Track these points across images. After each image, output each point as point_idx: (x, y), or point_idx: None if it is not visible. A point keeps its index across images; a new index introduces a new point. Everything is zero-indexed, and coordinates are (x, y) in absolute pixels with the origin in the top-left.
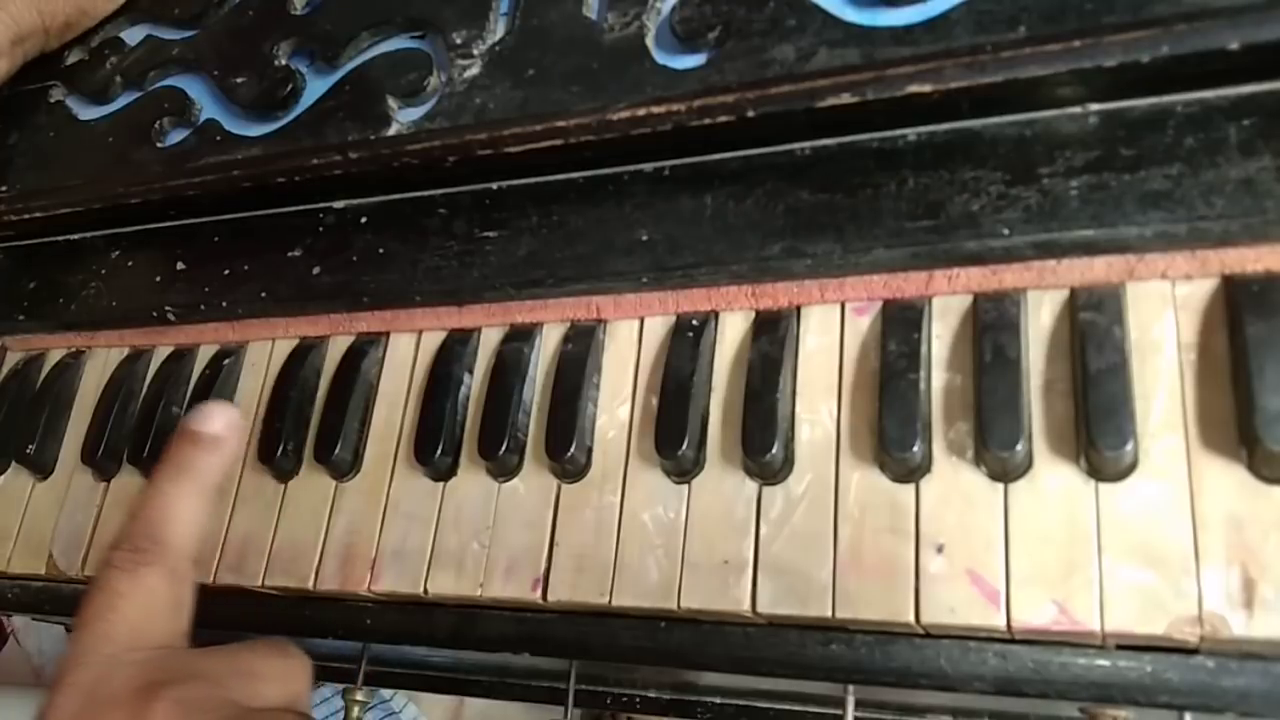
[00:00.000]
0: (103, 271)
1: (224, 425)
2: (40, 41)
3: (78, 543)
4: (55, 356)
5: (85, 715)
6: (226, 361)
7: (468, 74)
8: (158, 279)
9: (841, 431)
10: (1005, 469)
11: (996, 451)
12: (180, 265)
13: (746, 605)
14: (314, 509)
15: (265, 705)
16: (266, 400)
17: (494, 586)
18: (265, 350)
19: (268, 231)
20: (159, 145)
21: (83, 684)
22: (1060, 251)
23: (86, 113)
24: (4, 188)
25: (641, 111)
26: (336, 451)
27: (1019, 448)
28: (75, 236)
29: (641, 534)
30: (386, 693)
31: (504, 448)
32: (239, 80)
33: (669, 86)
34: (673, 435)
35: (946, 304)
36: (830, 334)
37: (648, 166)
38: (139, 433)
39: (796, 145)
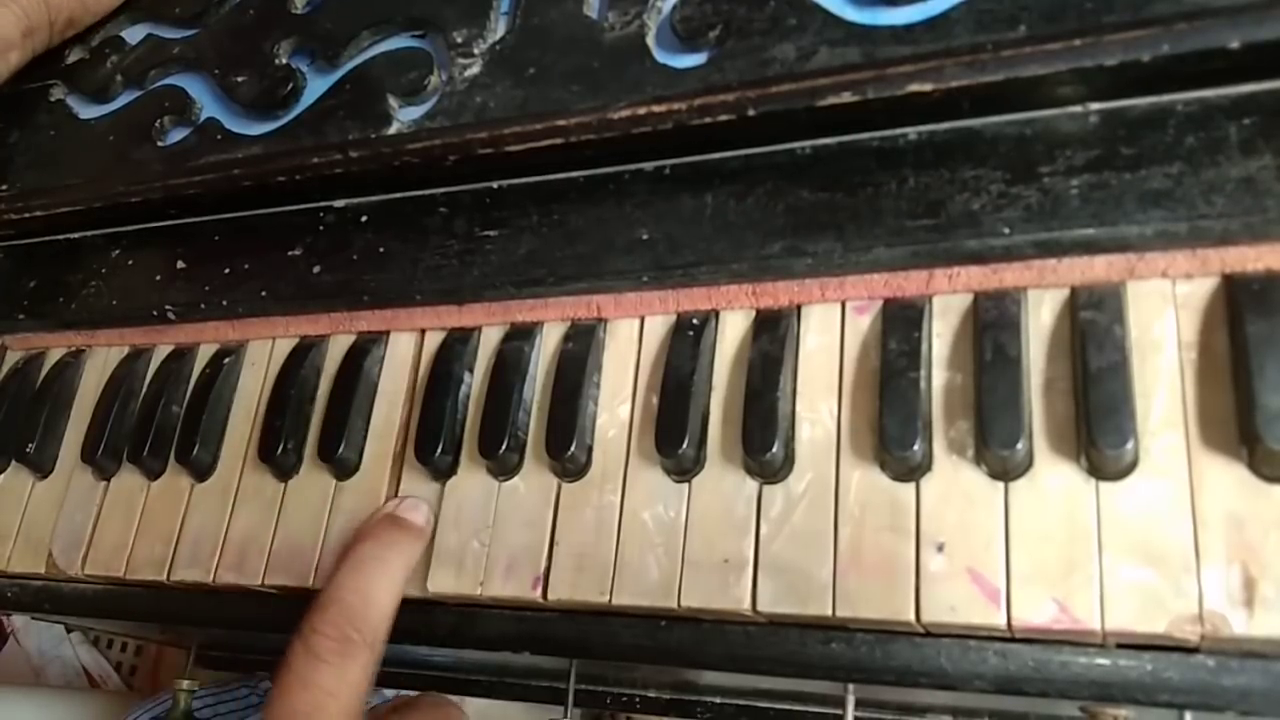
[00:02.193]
0: (103, 270)
1: (426, 520)
2: (45, 37)
3: (78, 542)
4: (55, 355)
5: None
6: (226, 360)
7: (468, 73)
8: (158, 278)
9: (842, 430)
10: (1006, 468)
11: (997, 450)
12: (180, 264)
13: (747, 604)
14: (314, 507)
15: None
16: (267, 399)
17: (494, 585)
18: (265, 349)
19: (268, 230)
20: (159, 144)
21: None
22: (1061, 250)
23: (87, 111)
24: (4, 187)
25: (642, 110)
26: (340, 450)
27: (1019, 446)
28: (75, 235)
29: (642, 533)
30: (388, 692)
31: (504, 446)
32: (239, 79)
33: (669, 85)
34: (673, 434)
35: (947, 303)
36: (831, 333)
37: (648, 165)
38: (139, 432)
39: (797, 144)
